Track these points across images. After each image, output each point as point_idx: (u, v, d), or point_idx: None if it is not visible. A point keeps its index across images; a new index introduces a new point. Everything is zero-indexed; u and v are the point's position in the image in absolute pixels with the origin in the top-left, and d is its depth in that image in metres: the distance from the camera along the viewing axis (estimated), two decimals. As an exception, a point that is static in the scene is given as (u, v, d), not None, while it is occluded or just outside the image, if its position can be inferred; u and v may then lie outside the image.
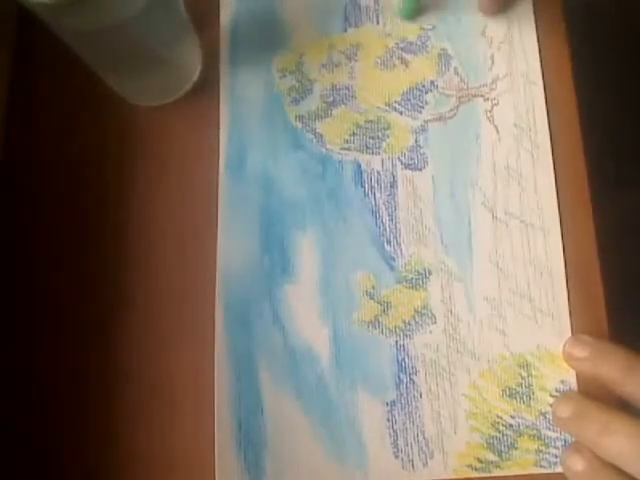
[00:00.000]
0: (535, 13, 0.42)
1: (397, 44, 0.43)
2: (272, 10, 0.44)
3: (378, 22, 0.43)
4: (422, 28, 0.43)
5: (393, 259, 0.39)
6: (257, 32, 0.43)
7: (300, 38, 0.43)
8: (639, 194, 0.39)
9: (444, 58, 0.42)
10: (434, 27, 0.43)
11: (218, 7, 0.44)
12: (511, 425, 0.37)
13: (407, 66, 0.42)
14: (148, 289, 0.39)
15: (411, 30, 0.43)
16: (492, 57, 0.42)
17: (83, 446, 0.37)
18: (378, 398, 0.37)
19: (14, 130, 0.42)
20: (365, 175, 0.41)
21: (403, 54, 0.43)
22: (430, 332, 0.38)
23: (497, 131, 0.41)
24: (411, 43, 0.43)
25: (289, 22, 0.43)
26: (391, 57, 0.43)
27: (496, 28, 0.43)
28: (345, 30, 0.43)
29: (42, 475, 0.37)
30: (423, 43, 0.43)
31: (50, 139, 0.42)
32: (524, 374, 0.37)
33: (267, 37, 0.43)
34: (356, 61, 0.43)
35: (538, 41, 0.42)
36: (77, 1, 0.32)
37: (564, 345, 0.37)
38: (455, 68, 0.42)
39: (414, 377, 0.38)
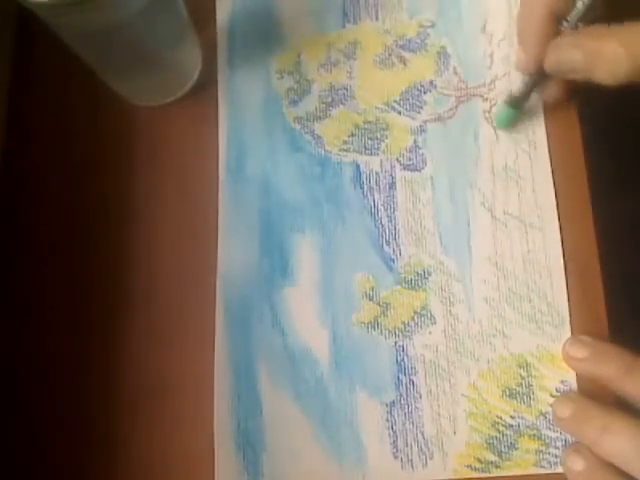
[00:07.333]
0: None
1: (396, 41, 0.43)
2: (269, 7, 0.43)
3: (377, 18, 0.43)
4: (421, 25, 0.43)
5: (392, 260, 0.39)
6: (254, 31, 0.43)
7: (298, 36, 0.43)
8: (639, 194, 0.38)
9: (443, 57, 0.42)
10: (433, 24, 0.43)
11: (215, 6, 0.43)
12: (511, 425, 0.37)
13: (405, 65, 0.42)
14: (148, 290, 0.39)
15: (410, 27, 0.43)
16: (491, 55, 0.42)
17: (83, 446, 0.38)
18: (377, 399, 0.37)
19: (14, 130, 0.42)
20: (364, 176, 0.40)
21: (402, 52, 0.42)
22: (430, 333, 0.38)
23: (495, 131, 0.40)
24: (410, 40, 0.43)
25: (286, 19, 0.43)
26: (390, 55, 0.42)
27: (497, 23, 0.42)
28: (343, 26, 0.43)
29: (42, 475, 0.37)
30: (422, 41, 0.42)
31: (50, 139, 0.42)
32: (524, 374, 0.37)
33: (265, 36, 0.43)
34: (355, 60, 0.42)
35: None
36: (77, 1, 0.32)
37: (563, 345, 0.37)
38: (454, 67, 0.42)
39: (414, 378, 0.38)
